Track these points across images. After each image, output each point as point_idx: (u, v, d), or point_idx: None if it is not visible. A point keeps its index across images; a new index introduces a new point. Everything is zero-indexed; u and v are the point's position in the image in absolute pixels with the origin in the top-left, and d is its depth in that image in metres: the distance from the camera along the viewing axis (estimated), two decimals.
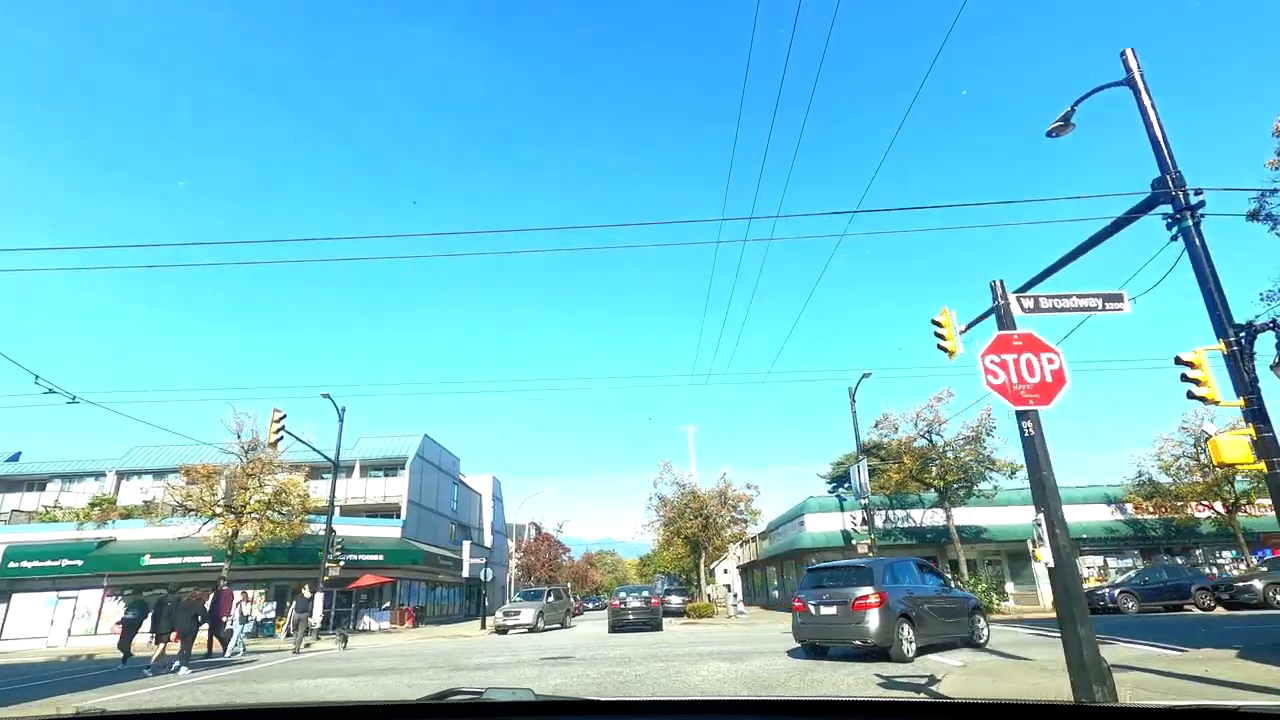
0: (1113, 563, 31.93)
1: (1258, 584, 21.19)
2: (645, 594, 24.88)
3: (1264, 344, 9.91)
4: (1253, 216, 12.54)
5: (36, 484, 42.35)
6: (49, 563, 31.91)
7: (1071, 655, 5.63)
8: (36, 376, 16.19)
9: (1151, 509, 30.80)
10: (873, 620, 10.85)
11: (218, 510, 27.45)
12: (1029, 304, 7.42)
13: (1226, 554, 31.32)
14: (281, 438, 22.90)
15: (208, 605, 19.58)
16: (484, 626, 30.13)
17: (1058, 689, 7.03)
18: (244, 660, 17.47)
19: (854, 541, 28.34)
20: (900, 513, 32.63)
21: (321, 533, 28.76)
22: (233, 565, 30.99)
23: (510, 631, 26.06)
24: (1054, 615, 18.19)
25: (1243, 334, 9.04)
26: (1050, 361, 6.42)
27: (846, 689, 8.43)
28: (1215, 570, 30.14)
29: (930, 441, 28.95)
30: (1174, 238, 10.49)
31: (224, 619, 20.98)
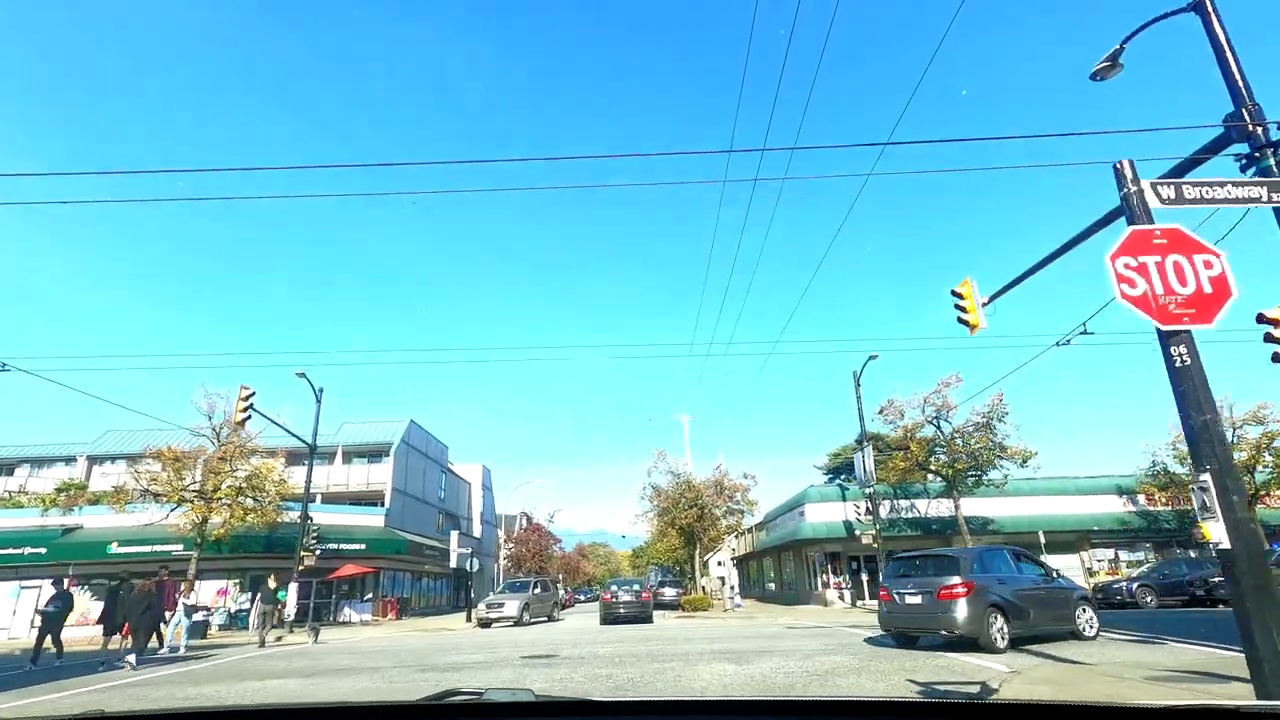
0: (1124, 555, 30.80)
1: None
2: (636, 587, 25.32)
3: None
4: None
5: (4, 469, 40.66)
6: (10, 550, 30.31)
7: (1263, 665, 4.12)
8: None
9: (1164, 500, 29.65)
10: (960, 610, 10.55)
11: (186, 496, 25.90)
12: (1168, 193, 5.70)
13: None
14: (249, 416, 21.36)
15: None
16: (469, 619, 28.75)
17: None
18: (186, 656, 15.96)
19: (857, 532, 27.03)
20: (905, 503, 31.37)
21: (315, 524, 27.29)
22: (204, 554, 29.46)
23: (494, 625, 24.68)
24: None
25: None
26: (1208, 265, 4.92)
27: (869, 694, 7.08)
28: None
29: (938, 428, 27.65)
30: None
31: (165, 612, 19.52)
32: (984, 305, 16.21)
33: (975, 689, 7.24)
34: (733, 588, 31.65)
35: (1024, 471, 27.18)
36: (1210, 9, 9.67)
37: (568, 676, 9.32)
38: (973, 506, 29.17)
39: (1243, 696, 5.57)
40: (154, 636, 15.80)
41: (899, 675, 8.51)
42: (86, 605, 28.52)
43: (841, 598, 30.74)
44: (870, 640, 13.06)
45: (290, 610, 25.08)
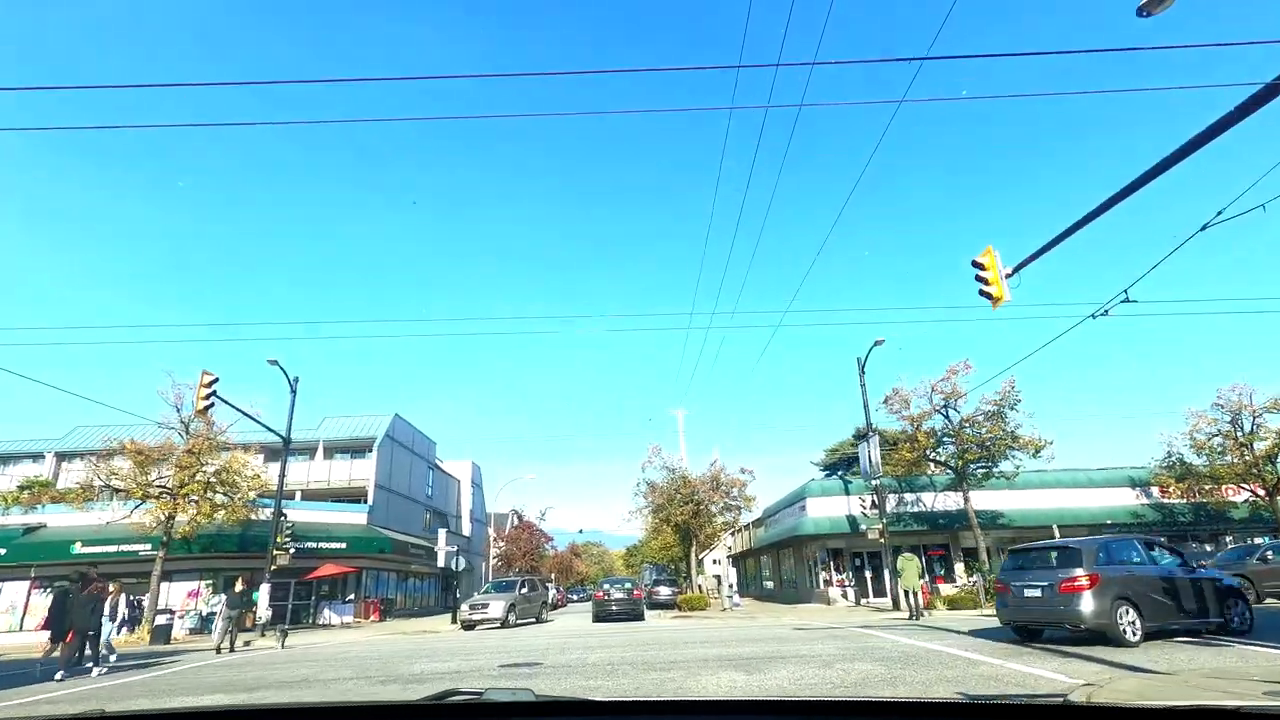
0: None
1: None
2: (628, 586, 26.10)
3: None
4: None
5: None
6: None
7: None
8: None
9: (1180, 492, 28.45)
10: (1085, 603, 10.25)
11: (150, 492, 24.29)
12: None
13: (1260, 540, 29.03)
14: (212, 404, 19.81)
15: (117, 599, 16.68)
16: (454, 621, 27.28)
17: None
18: (120, 666, 14.46)
19: (863, 527, 25.68)
20: (910, 496, 30.05)
21: (289, 521, 25.73)
22: (173, 554, 27.88)
23: (478, 628, 23.22)
24: None
25: None
26: None
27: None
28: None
29: (946, 417, 26.31)
30: None
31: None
32: (1008, 276, 14.94)
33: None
34: (731, 586, 30.29)
35: (1037, 463, 25.86)
36: None
37: (552, 688, 7.91)
38: (981, 500, 27.87)
39: None
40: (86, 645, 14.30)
41: (943, 687, 7.13)
42: (44, 608, 26.96)
43: (845, 596, 29.41)
44: (892, 642, 11.68)
45: (263, 613, 23.55)
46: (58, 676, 12.50)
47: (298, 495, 36.34)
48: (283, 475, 25.42)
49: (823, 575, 30.40)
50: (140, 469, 24.55)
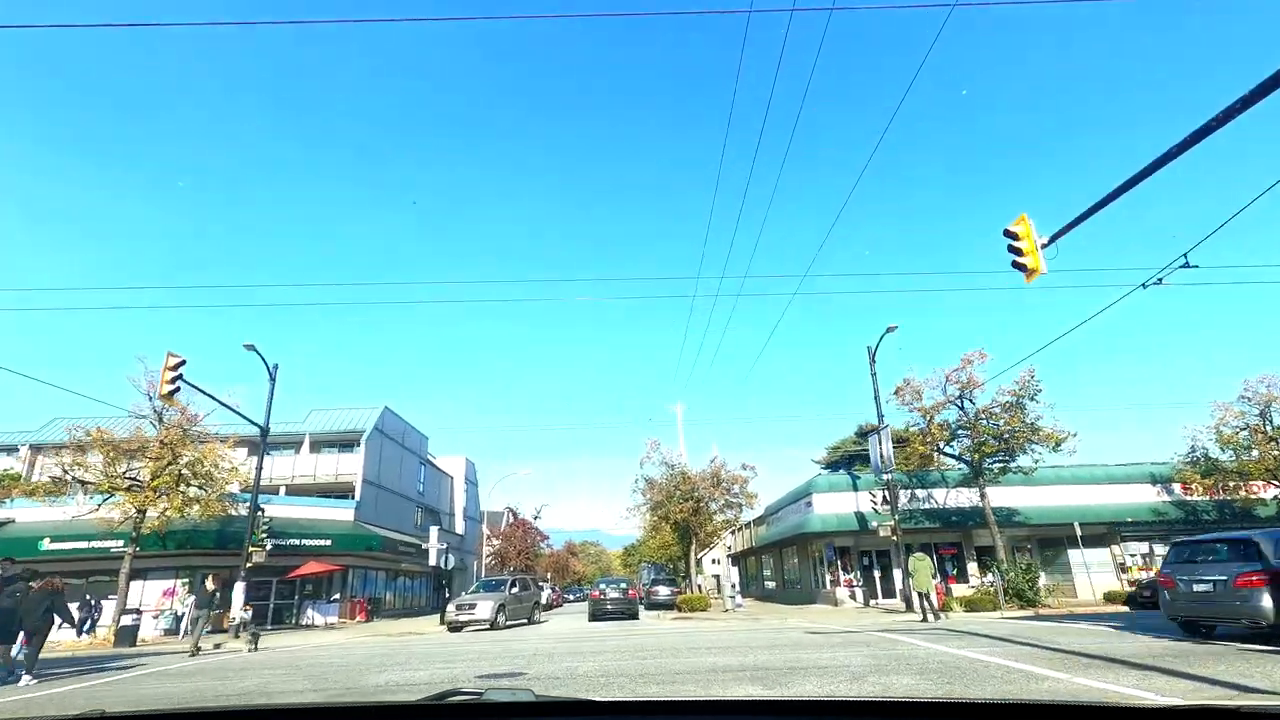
0: (1159, 550, 28.21)
1: None
2: (623, 585, 26.43)
3: None
4: None
5: None
6: None
7: None
8: None
9: (1204, 489, 27.14)
10: (1265, 599, 9.74)
11: (119, 484, 22.86)
12: None
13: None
14: (178, 388, 18.40)
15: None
16: (443, 621, 25.91)
17: None
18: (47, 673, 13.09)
19: (874, 524, 24.37)
20: (921, 492, 28.69)
21: (267, 516, 24.31)
22: (148, 550, 26.47)
23: (466, 629, 21.85)
24: (1105, 609, 14.25)
25: None
26: None
27: None
28: None
29: (961, 409, 24.98)
30: None
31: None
32: (1043, 247, 13.64)
33: None
34: (734, 586, 28.90)
35: (1056, 457, 24.50)
36: None
37: None
38: (996, 496, 26.51)
39: None
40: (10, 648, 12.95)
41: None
42: None
43: (853, 596, 28.06)
44: (925, 650, 10.33)
45: (236, 612, 22.14)
46: (24, 679, 11.34)
47: (282, 490, 34.96)
48: (260, 467, 24.04)
49: (829, 575, 29.05)
50: (110, 461, 23.14)
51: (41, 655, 13.12)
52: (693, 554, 39.86)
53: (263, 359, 24.20)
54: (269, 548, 23.65)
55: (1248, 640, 10.39)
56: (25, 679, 11.72)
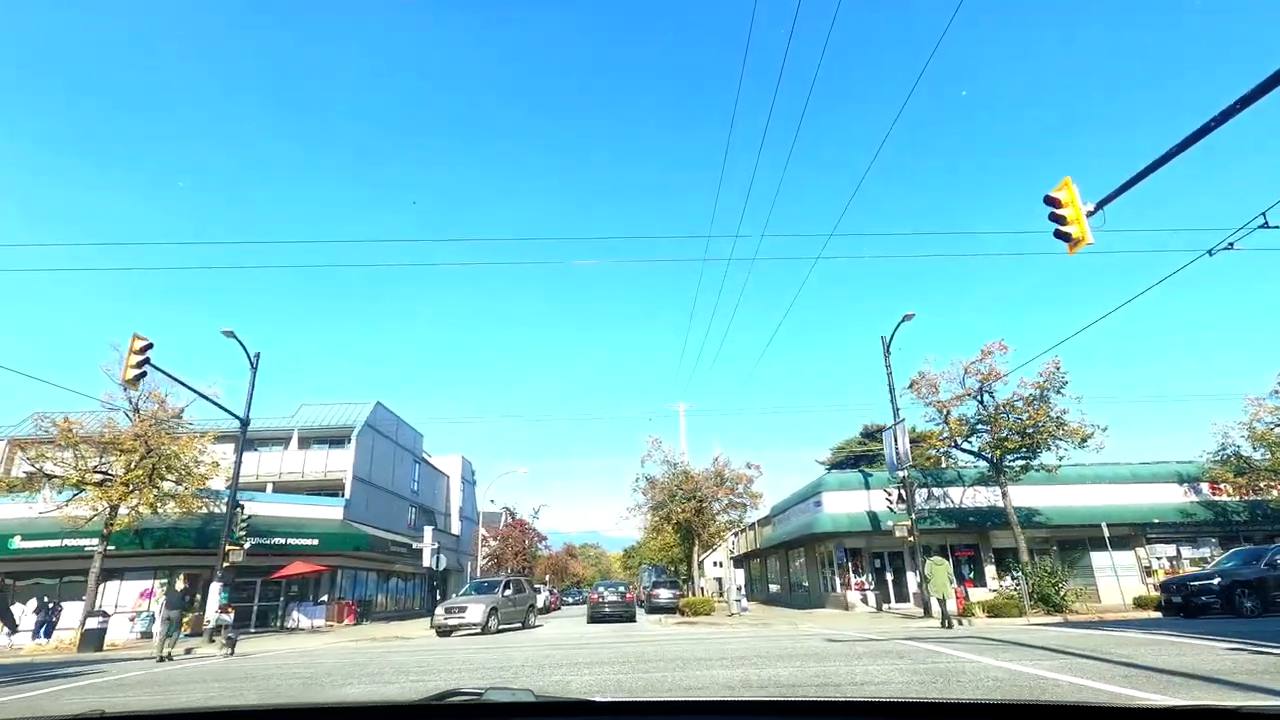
0: (1186, 552, 26.88)
1: None
2: (620, 589, 26.79)
3: None
4: None
5: None
6: None
7: None
8: None
9: (1235, 489, 25.79)
10: None
11: (89, 479, 21.54)
12: None
13: None
14: (143, 373, 17.08)
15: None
16: (433, 625, 24.60)
17: None
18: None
19: (888, 524, 23.04)
20: (937, 491, 27.32)
21: (246, 513, 23.01)
22: (125, 549, 25.23)
23: (455, 634, 20.52)
24: (1135, 615, 13.01)
25: None
26: None
27: None
28: None
29: (980, 402, 23.64)
30: None
31: None
32: (1089, 215, 12.34)
33: None
34: (739, 589, 27.54)
35: (1082, 454, 23.12)
36: None
37: None
38: (1015, 496, 25.16)
39: None
40: None
41: None
42: None
43: (865, 600, 26.69)
44: (971, 664, 8.99)
45: (210, 615, 20.82)
46: None
47: (269, 487, 33.68)
48: (239, 461, 22.76)
49: (840, 577, 27.69)
50: (79, 455, 21.83)
51: None
52: (695, 556, 38.53)
53: (243, 347, 22.94)
54: (248, 546, 22.37)
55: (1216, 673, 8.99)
56: None
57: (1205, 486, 27.23)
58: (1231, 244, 10.83)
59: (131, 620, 26.05)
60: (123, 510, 21.79)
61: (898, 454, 22.59)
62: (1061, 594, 20.47)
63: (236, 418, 22.95)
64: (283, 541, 28.31)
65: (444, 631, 20.68)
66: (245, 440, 35.48)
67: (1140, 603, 21.80)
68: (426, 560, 31.75)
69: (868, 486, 27.28)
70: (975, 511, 26.63)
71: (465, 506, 54.72)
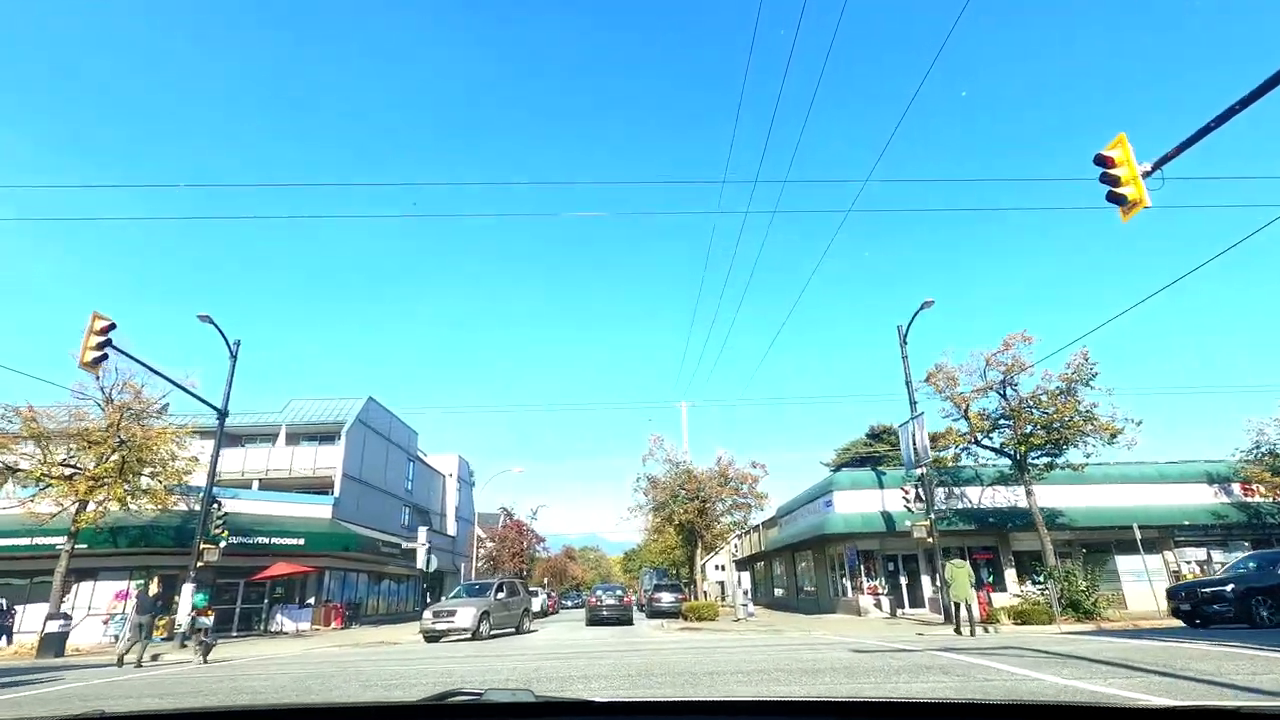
0: (1217, 556, 25.50)
1: None
2: (618, 592, 27.02)
3: None
4: None
5: None
6: None
7: None
8: None
9: (1268, 490, 24.44)
10: None
11: (52, 473, 20.22)
12: None
13: None
14: (104, 356, 15.79)
15: None
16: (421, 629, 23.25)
17: None
18: None
19: (906, 523, 21.70)
20: (955, 490, 25.97)
21: (223, 509, 21.69)
22: (97, 548, 23.95)
23: (444, 639, 19.19)
24: (1172, 623, 11.55)
25: None
26: None
27: None
28: None
29: (1003, 396, 22.31)
30: None
31: None
32: (1146, 175, 11.10)
33: None
34: (745, 593, 26.20)
35: (1112, 451, 21.71)
36: None
37: None
38: (1038, 495, 23.82)
39: None
40: None
41: None
42: None
43: (878, 606, 25.32)
44: (1032, 683, 7.66)
45: (182, 618, 19.53)
46: None
47: (255, 485, 32.35)
48: (216, 454, 21.44)
49: (851, 581, 26.33)
50: (42, 446, 20.53)
51: None
52: (698, 558, 37.26)
53: (221, 334, 21.66)
54: (224, 545, 21.05)
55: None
56: None
57: (1237, 487, 25.88)
58: None
59: (105, 623, 24.75)
60: (91, 506, 20.47)
61: (916, 449, 21.27)
62: (1093, 600, 19.14)
63: (214, 408, 21.65)
64: (266, 541, 27.00)
65: (432, 637, 19.35)
66: (225, 433, 33.70)
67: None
68: (421, 561, 30.42)
69: (881, 485, 25.93)
70: (995, 512, 25.29)
71: (462, 507, 53.34)
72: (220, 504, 21.56)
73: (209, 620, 19.17)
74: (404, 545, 32.04)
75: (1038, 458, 22.18)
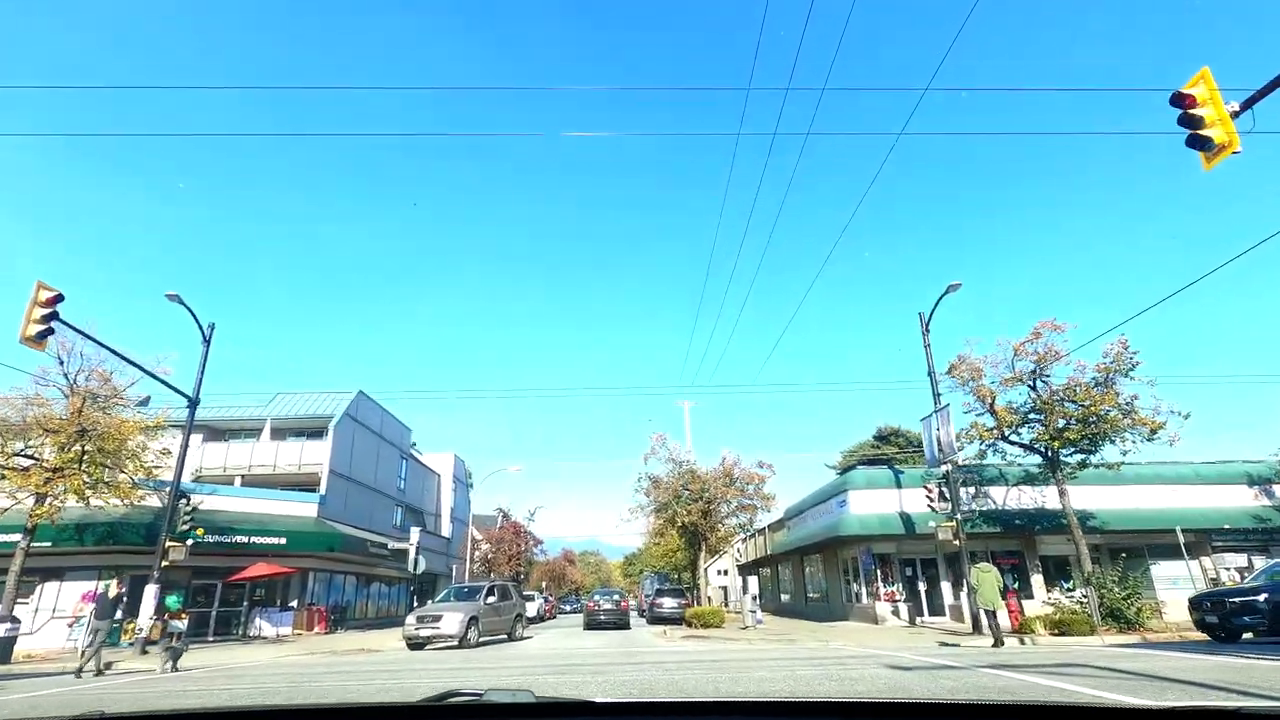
0: (1259, 562, 23.84)
1: None
2: (616, 597, 27.76)
3: None
4: None
5: None
6: None
7: None
8: None
9: None
10: None
11: (8, 465, 18.68)
12: None
13: None
14: (49, 330, 14.27)
15: None
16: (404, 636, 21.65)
17: None
18: None
19: (930, 524, 20.08)
20: (979, 489, 24.37)
21: (191, 504, 20.17)
22: (64, 546, 22.51)
23: (429, 646, 17.66)
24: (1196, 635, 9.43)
25: None
26: None
27: None
28: None
29: (1034, 388, 20.73)
30: None
31: None
32: (1235, 116, 9.68)
33: None
34: (754, 599, 24.59)
35: (1151, 448, 20.05)
36: None
37: None
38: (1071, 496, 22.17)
39: None
40: None
41: None
42: None
43: (896, 613, 23.73)
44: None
45: (144, 623, 17.99)
46: None
47: (237, 481, 30.83)
48: (185, 445, 19.94)
49: (867, 587, 24.72)
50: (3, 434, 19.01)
51: None
52: (701, 561, 35.64)
53: (193, 315, 20.18)
54: (191, 543, 19.50)
55: None
56: None
57: (1278, 489, 24.27)
58: None
59: (70, 626, 23.19)
60: (49, 500, 18.93)
61: (940, 444, 19.73)
62: (1136, 608, 17.55)
63: (185, 396, 20.14)
64: (245, 540, 25.44)
65: (415, 644, 17.81)
66: (208, 428, 32.83)
67: None
68: (413, 565, 28.87)
69: (899, 485, 24.35)
70: (1021, 513, 23.70)
71: (458, 508, 51.75)
72: (189, 499, 20.06)
73: (182, 624, 17.61)
74: (390, 545, 30.44)
75: (1070, 455, 20.58)
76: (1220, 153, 9.14)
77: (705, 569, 37.94)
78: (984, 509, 23.82)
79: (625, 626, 26.47)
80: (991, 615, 15.57)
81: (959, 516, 19.06)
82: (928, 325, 20.98)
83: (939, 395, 20.46)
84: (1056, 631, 16.97)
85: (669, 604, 29.16)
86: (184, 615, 18.77)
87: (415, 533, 29.88)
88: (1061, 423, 19.90)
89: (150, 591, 18.05)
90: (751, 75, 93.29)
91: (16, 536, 19.82)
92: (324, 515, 29.29)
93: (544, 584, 65.54)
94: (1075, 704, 1.38)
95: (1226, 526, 23.43)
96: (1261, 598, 13.56)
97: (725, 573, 64.38)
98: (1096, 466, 20.75)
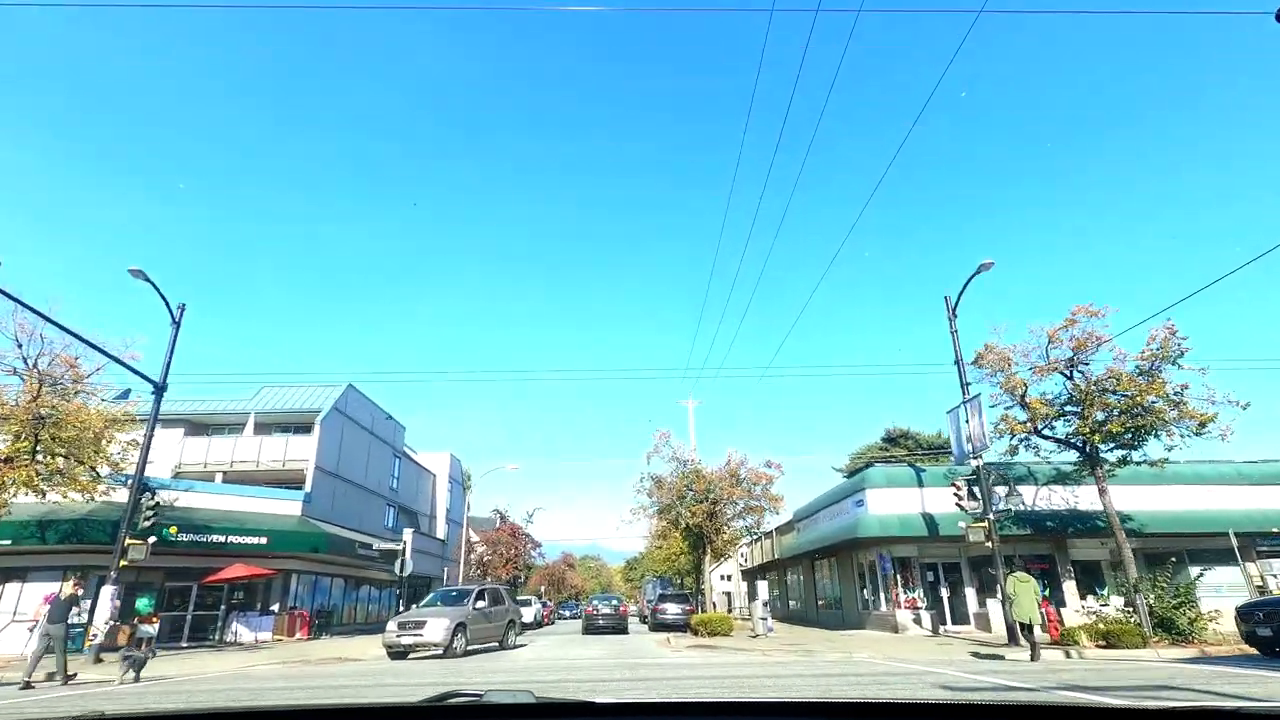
0: None
1: None
2: (614, 602, 28.26)
3: None
4: None
5: None
6: None
7: None
8: None
9: None
10: None
11: None
12: None
13: None
14: None
15: None
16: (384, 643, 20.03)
17: None
18: None
19: (961, 525, 18.47)
20: (1004, 489, 22.72)
21: (155, 499, 18.59)
22: (22, 544, 20.95)
23: (411, 655, 16.07)
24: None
25: None
26: None
27: None
28: None
29: (1070, 378, 19.12)
30: None
31: None
32: None
33: None
34: (765, 605, 22.95)
35: (1198, 444, 18.37)
36: None
37: None
38: (1095, 498, 20.47)
39: None
40: None
41: None
42: None
43: (917, 621, 22.08)
44: None
45: (99, 627, 16.43)
46: None
47: (218, 478, 29.32)
48: (150, 434, 18.41)
49: (886, 593, 23.07)
50: None
51: None
52: (705, 565, 34.01)
53: (161, 295, 18.66)
54: (153, 540, 17.93)
55: None
56: None
57: None
58: None
59: (30, 630, 21.59)
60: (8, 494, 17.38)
61: (970, 437, 18.15)
62: (1189, 618, 15.95)
63: (150, 381, 18.63)
64: (223, 540, 23.91)
65: (397, 652, 16.22)
66: (204, 428, 31.36)
67: None
68: (407, 566, 27.25)
69: (921, 484, 22.73)
70: (1053, 515, 22.07)
71: (453, 509, 50.15)
72: (154, 493, 18.49)
73: (153, 629, 16.02)
74: (377, 545, 28.85)
75: (1110, 450, 18.96)
76: None
77: (709, 574, 36.39)
78: (1013, 510, 22.16)
79: (624, 631, 27.01)
80: (1027, 628, 14.08)
81: (992, 516, 17.46)
82: (954, 309, 19.44)
83: (967, 385, 18.88)
84: (1103, 644, 15.36)
85: (673, 610, 27.56)
86: (155, 619, 17.22)
87: (408, 534, 28.34)
88: (1101, 415, 18.30)
89: (106, 593, 16.51)
90: (755, 76, 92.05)
91: None
92: (309, 514, 27.75)
93: (542, 588, 63.84)
94: (1076, 704, 1.37)
95: (1275, 530, 21.77)
96: None
97: (728, 578, 62.63)
98: (1138, 464, 19.13)
